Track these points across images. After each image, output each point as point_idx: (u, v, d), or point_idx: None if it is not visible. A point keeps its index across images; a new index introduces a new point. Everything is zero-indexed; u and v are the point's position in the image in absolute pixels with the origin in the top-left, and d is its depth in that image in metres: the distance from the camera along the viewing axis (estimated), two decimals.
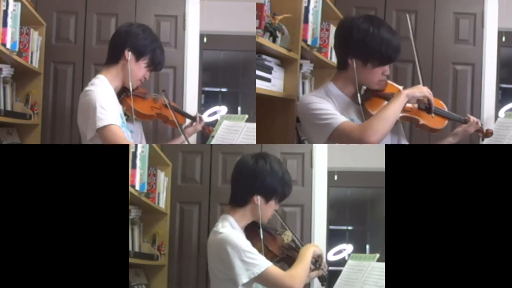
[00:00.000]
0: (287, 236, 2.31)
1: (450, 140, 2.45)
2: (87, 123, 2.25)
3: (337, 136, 2.18)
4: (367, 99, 2.26)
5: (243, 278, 2.02)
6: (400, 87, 2.33)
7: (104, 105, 2.23)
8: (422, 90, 2.21)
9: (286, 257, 2.26)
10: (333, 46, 2.34)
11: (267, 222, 2.27)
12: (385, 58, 2.18)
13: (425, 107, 2.26)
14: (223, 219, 2.18)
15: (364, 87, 2.32)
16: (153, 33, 2.48)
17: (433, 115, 2.27)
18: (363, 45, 2.15)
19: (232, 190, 2.25)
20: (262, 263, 2.04)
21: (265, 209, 2.19)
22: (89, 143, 2.26)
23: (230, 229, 2.11)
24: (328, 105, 2.23)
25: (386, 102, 2.21)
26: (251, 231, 2.20)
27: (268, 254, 2.20)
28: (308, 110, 2.26)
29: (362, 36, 2.15)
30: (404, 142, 2.45)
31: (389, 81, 2.33)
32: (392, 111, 2.13)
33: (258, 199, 2.15)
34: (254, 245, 2.15)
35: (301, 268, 2.12)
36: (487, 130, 2.48)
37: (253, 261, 2.03)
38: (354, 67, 2.19)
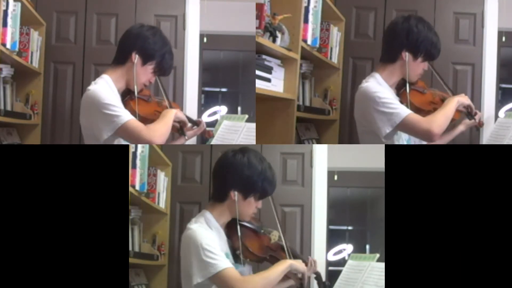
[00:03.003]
0: (274, 236, 2.18)
1: (461, 128, 2.64)
2: (99, 123, 2.20)
3: (405, 126, 2.39)
4: (406, 91, 2.50)
5: (198, 277, 1.95)
6: (424, 83, 2.60)
7: (113, 102, 2.20)
8: (467, 99, 2.54)
9: (270, 258, 2.14)
10: (384, 41, 2.58)
11: (256, 220, 2.19)
12: (430, 55, 2.49)
13: (468, 113, 2.55)
14: (199, 215, 2.11)
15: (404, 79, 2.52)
16: (163, 36, 2.41)
17: (477, 120, 2.56)
18: (418, 42, 2.45)
19: (212, 185, 2.20)
20: (220, 264, 1.94)
21: (244, 206, 2.09)
22: (105, 142, 2.22)
23: (199, 226, 2.03)
24: (391, 94, 2.44)
25: (420, 94, 2.52)
26: (231, 228, 2.11)
27: (247, 254, 2.10)
28: (375, 98, 2.40)
29: (417, 35, 2.45)
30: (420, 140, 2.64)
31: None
32: (451, 111, 2.45)
33: (235, 194, 2.07)
34: (233, 243, 2.08)
35: (264, 276, 2.01)
36: (480, 121, 2.67)
37: (211, 260, 1.94)
38: (406, 60, 2.46)
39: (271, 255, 2.14)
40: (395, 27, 2.52)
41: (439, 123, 2.40)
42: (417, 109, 2.45)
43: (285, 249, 2.15)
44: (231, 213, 2.11)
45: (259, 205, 2.14)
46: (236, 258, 2.10)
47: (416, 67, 2.49)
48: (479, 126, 2.64)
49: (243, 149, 2.13)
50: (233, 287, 1.93)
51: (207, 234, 2.02)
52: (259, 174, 2.08)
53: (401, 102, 2.48)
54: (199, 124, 2.54)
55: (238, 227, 2.08)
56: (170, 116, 2.30)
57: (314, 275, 2.25)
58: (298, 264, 2.10)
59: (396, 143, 2.47)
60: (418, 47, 2.45)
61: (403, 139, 2.51)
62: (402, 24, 2.49)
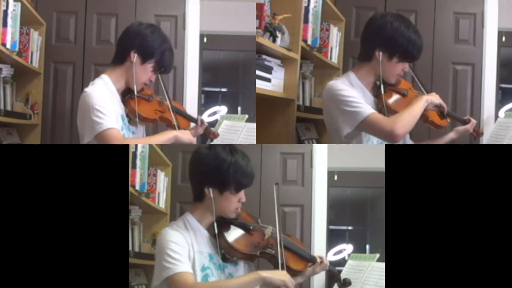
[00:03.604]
0: (268, 231, 2.05)
1: (451, 136, 2.54)
2: (84, 126, 2.21)
3: (366, 125, 2.25)
4: (384, 92, 2.37)
5: (155, 281, 1.91)
6: (410, 85, 2.47)
7: (102, 108, 2.17)
8: (438, 98, 2.40)
9: (260, 254, 2.03)
10: (361, 39, 2.43)
11: (249, 216, 2.09)
12: (408, 55, 2.33)
13: (441, 112, 2.43)
14: (179, 218, 2.05)
15: (379, 81, 2.41)
16: (162, 34, 2.37)
17: (448, 120, 2.45)
18: (392, 41, 2.29)
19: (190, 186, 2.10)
20: (174, 268, 1.86)
21: (222, 202, 1.98)
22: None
23: (171, 229, 1.97)
24: (356, 93, 2.31)
25: (399, 96, 2.38)
26: (221, 226, 2.01)
27: (231, 251, 1.99)
28: (338, 96, 2.28)
29: (392, 33, 2.30)
30: (409, 139, 2.54)
31: (401, 79, 2.47)
32: (418, 110, 2.29)
33: (210, 191, 1.96)
34: (219, 242, 1.99)
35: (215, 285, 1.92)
36: (478, 130, 2.61)
37: (167, 263, 1.87)
38: (380, 59, 2.31)
39: (263, 252, 2.03)
40: (370, 23, 2.39)
41: (403, 123, 2.24)
42: (394, 112, 2.31)
43: (278, 242, 2.02)
44: (212, 211, 2.00)
45: (242, 198, 2.00)
46: (224, 258, 2.01)
47: (392, 68, 2.34)
48: (476, 135, 2.56)
49: (211, 146, 2.03)
50: None
51: (177, 238, 1.93)
52: (229, 165, 1.95)
53: (378, 103, 2.36)
54: (198, 122, 2.52)
55: (215, 225, 1.99)
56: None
57: (329, 272, 2.19)
58: (273, 276, 1.91)
59: (364, 143, 2.36)
60: (392, 45, 2.29)
61: (373, 139, 2.39)
62: (377, 20, 2.36)
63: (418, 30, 2.37)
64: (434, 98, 2.38)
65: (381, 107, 2.34)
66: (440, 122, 2.45)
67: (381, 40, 2.31)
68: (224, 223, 2.02)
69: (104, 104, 2.20)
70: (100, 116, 2.16)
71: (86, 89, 2.25)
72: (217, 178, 1.96)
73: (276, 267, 2.01)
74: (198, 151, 2.03)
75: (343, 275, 2.75)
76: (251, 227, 2.04)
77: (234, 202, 2.00)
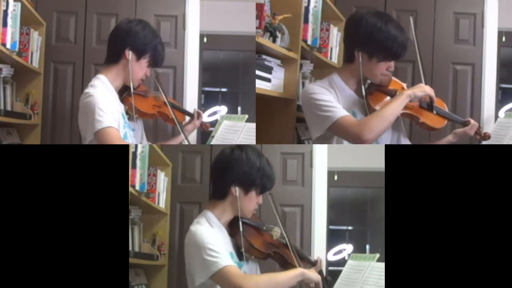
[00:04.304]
0: (276, 232, 2.17)
1: (449, 139, 2.45)
2: (87, 126, 2.23)
3: (336, 129, 2.21)
4: (370, 93, 2.30)
5: (199, 278, 1.94)
6: (404, 84, 2.38)
7: (103, 107, 2.20)
8: (424, 89, 2.26)
9: (273, 254, 2.14)
10: (342, 39, 2.39)
11: (256, 218, 2.19)
12: (390, 54, 2.22)
13: (427, 105, 2.30)
14: (200, 215, 2.10)
15: (368, 82, 2.34)
16: (152, 29, 2.43)
17: (434, 112, 2.32)
18: (370, 39, 2.20)
19: (211, 183, 2.20)
20: (220, 261, 1.91)
21: (245, 202, 2.08)
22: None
23: (201, 227, 2.02)
24: (330, 97, 2.25)
25: (388, 98, 2.28)
26: (234, 226, 2.10)
27: (251, 250, 2.09)
28: (311, 100, 2.26)
29: (369, 30, 2.20)
30: (404, 139, 2.48)
31: (393, 78, 2.37)
32: (391, 111, 2.19)
33: (236, 190, 2.06)
34: (237, 241, 2.07)
35: (269, 277, 1.99)
36: (485, 133, 2.50)
37: (211, 258, 1.91)
38: (359, 60, 2.23)
39: (275, 251, 2.14)
40: (349, 22, 2.32)
41: (371, 127, 2.15)
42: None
43: (288, 245, 2.14)
44: (233, 210, 2.09)
45: (260, 200, 2.13)
46: (240, 256, 2.09)
47: (373, 68, 2.25)
48: (480, 138, 2.43)
49: (240, 146, 2.13)
50: (235, 284, 1.89)
51: (209, 233, 2.00)
52: (258, 169, 2.08)
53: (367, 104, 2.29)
54: (195, 115, 2.59)
55: (240, 223, 2.08)
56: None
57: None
58: (311, 274, 2.05)
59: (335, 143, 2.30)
60: (370, 44, 2.20)
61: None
62: (354, 18, 2.28)
63: (400, 25, 2.24)
64: (418, 90, 2.24)
65: (367, 108, 2.28)
66: (433, 123, 2.34)
67: (358, 39, 2.23)
68: (241, 223, 2.10)
69: (106, 104, 2.23)
70: (101, 115, 2.19)
71: (86, 90, 2.27)
72: (246, 179, 2.07)
73: (282, 266, 2.14)
74: (227, 151, 2.12)
75: (343, 275, 2.75)
76: (264, 228, 2.16)
77: (254, 203, 2.11)
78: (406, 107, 2.25)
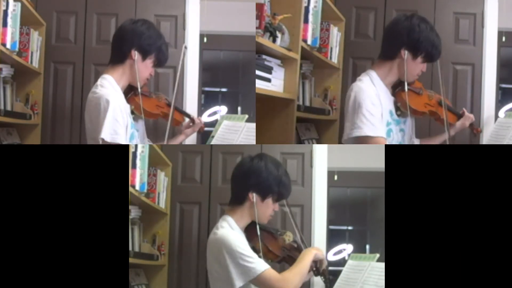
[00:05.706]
0: (288, 237, 2.32)
1: (449, 132, 2.59)
2: (98, 128, 2.23)
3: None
4: (402, 91, 2.47)
5: (239, 282, 2.05)
6: (421, 84, 2.57)
7: (118, 118, 2.24)
8: (322, 253, 2.30)
9: (287, 257, 2.27)
10: (384, 37, 2.55)
11: (268, 223, 2.28)
12: (430, 57, 2.45)
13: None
14: (222, 219, 2.21)
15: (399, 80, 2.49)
16: (156, 29, 2.47)
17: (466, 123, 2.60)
18: (419, 42, 2.41)
19: (231, 190, 2.29)
20: (258, 266, 2.06)
21: (262, 208, 2.21)
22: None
23: (227, 230, 2.13)
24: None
25: (415, 95, 2.49)
26: (251, 231, 2.22)
27: (269, 254, 2.23)
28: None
29: (419, 34, 2.41)
30: (416, 139, 2.62)
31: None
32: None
33: (254, 196, 2.18)
34: (254, 245, 2.17)
35: (297, 271, 2.15)
36: (476, 128, 2.71)
37: (249, 264, 2.05)
38: (405, 58, 2.42)
39: (288, 255, 2.27)
40: (396, 24, 2.49)
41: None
42: (412, 110, 2.44)
43: (302, 247, 2.29)
44: (250, 215, 2.21)
45: (276, 207, 2.25)
46: None
47: (414, 67, 2.45)
48: (476, 132, 2.67)
49: (261, 155, 2.26)
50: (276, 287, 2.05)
51: (237, 237, 2.11)
52: (276, 177, 2.20)
53: (396, 102, 2.47)
54: (195, 121, 2.61)
55: (258, 227, 2.19)
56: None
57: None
58: (319, 252, 2.24)
59: None
60: (418, 46, 2.41)
61: None
62: (404, 22, 2.45)
63: (438, 33, 2.47)
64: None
65: (400, 106, 2.46)
66: (450, 119, 2.54)
67: (408, 40, 2.41)
68: (255, 228, 2.21)
69: (120, 112, 2.26)
70: (117, 126, 2.24)
71: (97, 91, 2.27)
72: (264, 186, 2.19)
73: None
74: (247, 160, 2.25)
75: (343, 275, 2.76)
76: (278, 233, 2.31)
77: (270, 209, 2.24)
78: (429, 105, 2.51)
